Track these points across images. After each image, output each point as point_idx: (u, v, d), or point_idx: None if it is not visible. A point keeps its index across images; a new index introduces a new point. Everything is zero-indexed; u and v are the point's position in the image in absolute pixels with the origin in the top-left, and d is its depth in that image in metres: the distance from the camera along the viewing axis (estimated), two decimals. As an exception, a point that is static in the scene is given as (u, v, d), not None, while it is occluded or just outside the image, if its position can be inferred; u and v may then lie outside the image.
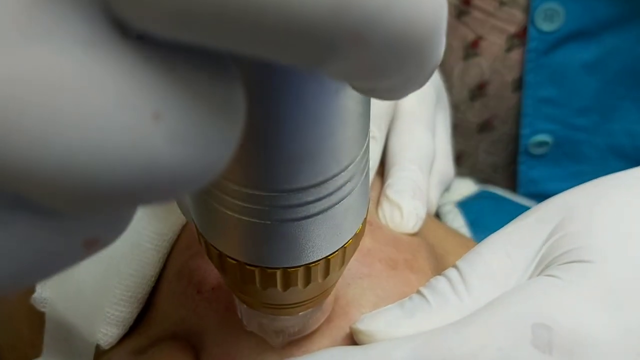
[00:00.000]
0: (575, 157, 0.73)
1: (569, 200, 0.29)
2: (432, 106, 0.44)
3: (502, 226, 0.31)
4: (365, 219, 0.24)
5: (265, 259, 0.22)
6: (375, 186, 0.40)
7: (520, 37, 0.67)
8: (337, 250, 0.23)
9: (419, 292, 0.30)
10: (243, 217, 0.20)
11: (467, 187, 0.60)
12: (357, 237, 0.24)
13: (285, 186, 0.19)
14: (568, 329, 0.25)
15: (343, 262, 0.24)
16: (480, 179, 0.71)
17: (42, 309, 0.34)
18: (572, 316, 0.25)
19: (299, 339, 0.30)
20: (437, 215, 0.54)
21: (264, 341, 0.30)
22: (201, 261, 0.32)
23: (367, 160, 0.22)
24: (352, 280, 0.32)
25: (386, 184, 0.39)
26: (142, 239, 0.33)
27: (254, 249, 0.22)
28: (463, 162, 0.75)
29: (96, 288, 0.33)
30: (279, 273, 0.22)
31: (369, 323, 0.29)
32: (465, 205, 0.54)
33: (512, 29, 0.67)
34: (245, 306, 0.27)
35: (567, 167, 0.73)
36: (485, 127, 0.73)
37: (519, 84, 0.69)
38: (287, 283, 0.23)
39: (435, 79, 0.49)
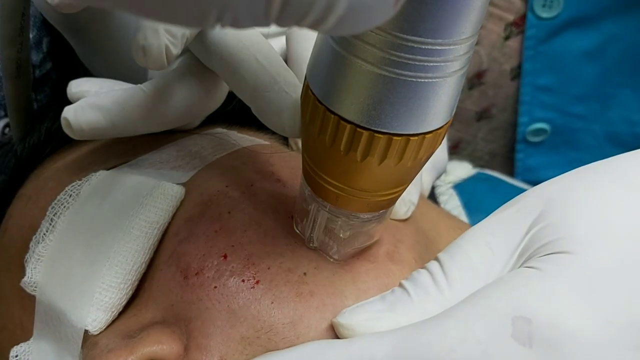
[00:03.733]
0: (573, 145, 0.72)
1: (548, 191, 0.29)
2: None
3: (497, 207, 0.31)
4: (447, 125, 0.25)
5: (377, 120, 0.23)
6: None
7: (519, 25, 0.66)
8: (418, 134, 0.24)
9: (400, 285, 0.30)
10: (378, 70, 0.22)
11: (464, 170, 0.60)
12: (438, 135, 0.25)
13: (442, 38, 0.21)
14: (548, 322, 0.25)
15: (417, 154, 0.25)
16: (479, 166, 0.71)
17: (33, 293, 0.34)
18: (552, 309, 0.25)
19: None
20: (433, 197, 0.54)
21: (249, 333, 0.30)
22: (188, 246, 0.32)
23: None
24: (335, 271, 0.32)
25: None
26: (132, 227, 0.33)
27: (370, 105, 0.23)
28: (461, 150, 0.75)
29: (86, 274, 0.33)
30: (365, 136, 0.24)
31: (350, 317, 0.29)
32: (461, 187, 0.55)
33: (511, 16, 0.66)
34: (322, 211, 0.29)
35: (565, 155, 0.73)
36: (483, 115, 0.73)
37: (517, 72, 0.69)
38: (368, 150, 0.24)
39: None
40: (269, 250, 0.32)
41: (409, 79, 0.22)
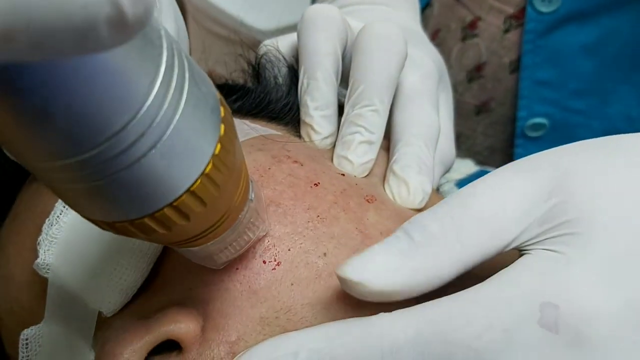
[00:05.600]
0: (572, 140, 0.72)
1: (565, 162, 0.28)
2: (435, 84, 0.44)
3: None
4: (220, 138, 0.24)
5: (109, 214, 0.23)
6: (380, 161, 0.40)
7: (519, 18, 0.67)
8: (197, 179, 0.23)
9: (404, 230, 0.29)
10: (78, 185, 0.21)
11: (467, 167, 0.60)
12: (218, 159, 0.24)
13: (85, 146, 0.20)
14: (574, 308, 0.25)
15: (216, 185, 0.24)
16: (478, 161, 0.72)
17: (45, 275, 0.34)
18: (578, 295, 0.25)
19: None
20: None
21: (268, 314, 0.30)
22: None
23: (184, 87, 0.21)
24: (357, 251, 0.32)
25: (392, 160, 0.39)
26: None
27: (100, 206, 0.22)
28: (461, 144, 0.76)
29: (100, 255, 0.33)
30: (129, 225, 0.23)
31: (361, 271, 0.28)
32: (464, 184, 0.55)
33: (510, 9, 0.67)
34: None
35: (563, 150, 0.73)
36: (482, 109, 0.73)
37: (516, 66, 0.69)
38: (146, 231, 0.23)
39: (438, 60, 0.49)
40: (289, 230, 0.32)
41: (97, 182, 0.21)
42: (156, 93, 0.20)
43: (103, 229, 0.24)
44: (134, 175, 0.21)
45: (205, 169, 0.23)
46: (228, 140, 0.24)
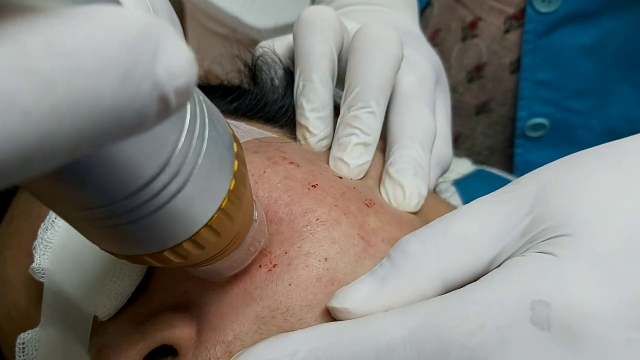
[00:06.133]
0: (572, 141, 0.73)
1: (546, 174, 0.29)
2: (432, 86, 0.44)
3: None
4: (235, 174, 0.25)
5: (132, 249, 0.24)
6: (377, 164, 0.40)
7: (519, 18, 0.67)
8: (214, 214, 0.24)
9: (389, 257, 0.30)
10: (101, 227, 0.22)
11: (464, 167, 0.60)
12: (233, 193, 0.25)
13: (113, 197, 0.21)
14: (566, 306, 0.25)
15: (231, 218, 0.25)
16: (478, 161, 0.72)
17: (41, 280, 0.34)
18: (569, 293, 0.25)
19: None
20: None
21: (264, 313, 0.30)
22: None
23: (205, 133, 0.23)
24: (360, 259, 0.32)
25: (388, 163, 0.39)
26: None
27: (125, 244, 0.24)
28: (461, 145, 0.75)
29: (95, 260, 0.33)
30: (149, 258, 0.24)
31: (344, 300, 0.29)
32: (461, 185, 0.54)
33: (511, 10, 0.66)
34: None
35: (564, 150, 0.72)
36: (482, 109, 0.73)
37: (516, 66, 0.69)
38: (163, 262, 0.25)
39: (435, 61, 0.49)
40: (287, 236, 0.32)
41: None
42: (183, 144, 0.21)
43: (118, 257, 0.25)
44: (158, 218, 0.22)
45: (221, 204, 0.25)
46: (241, 174, 0.26)
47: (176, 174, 0.22)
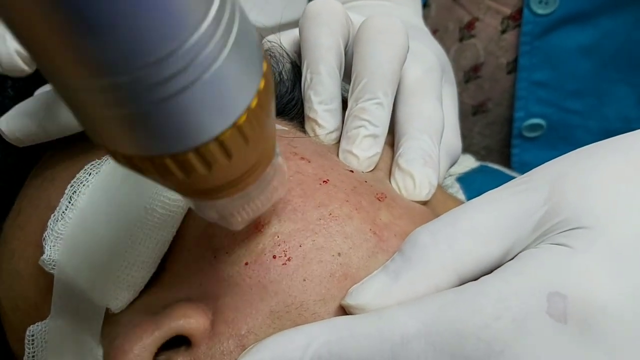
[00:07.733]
0: (569, 141, 0.73)
1: (558, 167, 0.29)
2: (438, 78, 0.44)
3: None
4: (259, 92, 0.23)
5: (153, 146, 0.22)
6: (385, 155, 0.40)
7: (516, 18, 0.67)
8: (227, 129, 0.22)
9: (400, 251, 0.30)
10: (114, 110, 0.20)
11: (467, 162, 0.60)
12: (253, 113, 0.23)
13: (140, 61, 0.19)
14: (582, 298, 0.25)
15: (246, 140, 0.23)
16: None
17: (52, 271, 0.33)
18: (585, 284, 0.25)
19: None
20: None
21: (278, 307, 0.30)
22: (219, 228, 0.32)
23: (233, 28, 0.21)
24: (372, 254, 0.32)
25: (397, 154, 0.39)
26: (155, 205, 0.33)
27: (144, 138, 0.21)
28: (457, 144, 0.76)
29: (107, 251, 0.33)
30: (169, 160, 0.22)
31: (358, 296, 0.29)
32: (466, 180, 0.55)
33: (508, 10, 0.67)
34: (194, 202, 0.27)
35: (560, 150, 0.72)
36: (479, 109, 0.73)
37: (513, 66, 0.69)
38: (187, 168, 0.23)
39: (440, 53, 0.49)
40: (300, 227, 0.32)
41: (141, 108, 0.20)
42: (207, 27, 0.20)
43: (119, 162, 0.23)
44: (177, 106, 0.20)
45: (250, 103, 0.23)
46: (268, 81, 0.24)
47: (194, 58, 0.20)
